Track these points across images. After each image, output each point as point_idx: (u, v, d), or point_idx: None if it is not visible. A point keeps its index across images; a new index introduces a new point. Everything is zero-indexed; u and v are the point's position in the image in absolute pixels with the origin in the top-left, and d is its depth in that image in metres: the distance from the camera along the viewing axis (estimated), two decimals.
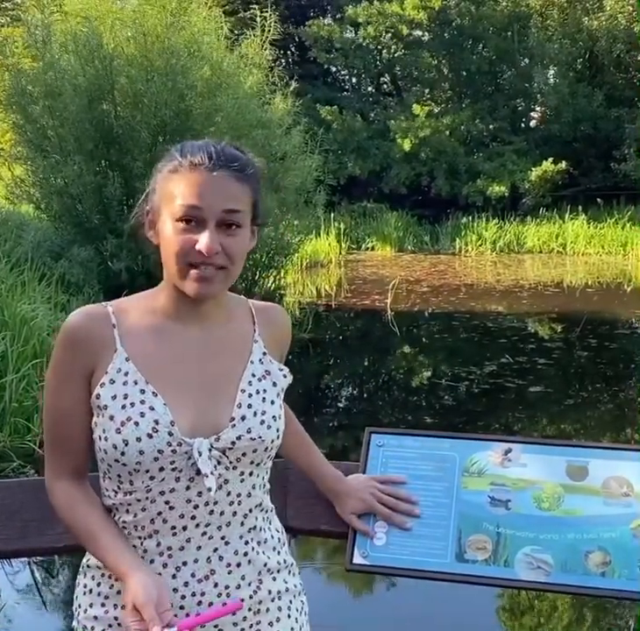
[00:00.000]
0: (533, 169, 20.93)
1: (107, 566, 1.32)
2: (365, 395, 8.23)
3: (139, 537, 1.35)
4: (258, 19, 10.74)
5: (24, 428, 5.45)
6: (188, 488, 1.33)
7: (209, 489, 1.32)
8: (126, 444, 1.30)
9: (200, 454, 1.31)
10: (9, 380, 5.59)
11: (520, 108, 24.70)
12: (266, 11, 10.83)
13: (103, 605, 1.39)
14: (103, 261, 9.08)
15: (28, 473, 4.99)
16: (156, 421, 1.30)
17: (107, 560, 1.31)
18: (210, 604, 1.35)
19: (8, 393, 5.54)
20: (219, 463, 1.34)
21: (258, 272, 10.86)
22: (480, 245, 20.52)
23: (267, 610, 1.43)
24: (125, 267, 8.90)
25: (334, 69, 26.41)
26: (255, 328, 1.47)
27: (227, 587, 1.37)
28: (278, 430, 1.41)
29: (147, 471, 1.31)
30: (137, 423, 1.30)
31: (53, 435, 1.39)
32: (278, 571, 1.47)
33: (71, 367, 1.35)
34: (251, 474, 1.39)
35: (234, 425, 1.35)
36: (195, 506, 1.34)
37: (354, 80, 26.92)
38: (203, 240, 1.29)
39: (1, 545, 1.58)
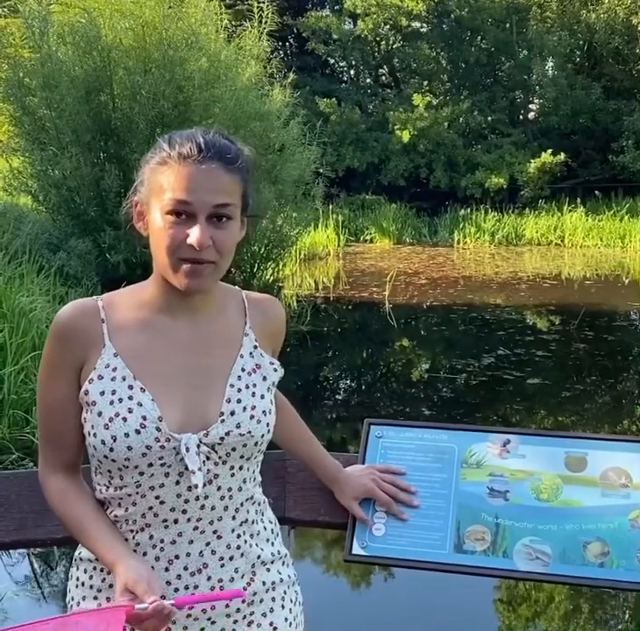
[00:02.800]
0: (531, 161, 20.89)
1: (98, 558, 1.32)
2: (363, 387, 8.23)
3: (131, 531, 1.35)
4: (255, 10, 10.70)
5: (23, 421, 5.46)
6: (177, 483, 1.32)
7: (196, 486, 1.31)
8: (114, 440, 1.29)
9: (188, 450, 1.30)
10: (7, 372, 5.60)
11: (518, 100, 24.65)
12: (264, 3, 10.79)
13: (95, 598, 1.39)
14: (101, 253, 9.06)
15: (27, 465, 4.99)
16: (144, 417, 1.30)
17: (98, 551, 1.31)
18: None
19: (6, 385, 5.55)
20: (208, 458, 1.33)
21: (256, 265, 10.85)
22: (479, 238, 20.50)
23: (261, 601, 1.44)
24: (123, 259, 8.89)
25: (332, 61, 26.31)
26: (246, 320, 1.45)
27: (220, 580, 1.37)
28: (268, 425, 1.40)
29: (136, 467, 1.31)
30: (125, 419, 1.29)
31: (46, 428, 1.39)
32: (272, 563, 1.47)
33: (61, 361, 1.34)
34: (241, 468, 1.38)
35: (223, 420, 1.34)
36: (186, 501, 1.33)
37: (353, 72, 26.84)
38: (194, 234, 1.27)
39: None
